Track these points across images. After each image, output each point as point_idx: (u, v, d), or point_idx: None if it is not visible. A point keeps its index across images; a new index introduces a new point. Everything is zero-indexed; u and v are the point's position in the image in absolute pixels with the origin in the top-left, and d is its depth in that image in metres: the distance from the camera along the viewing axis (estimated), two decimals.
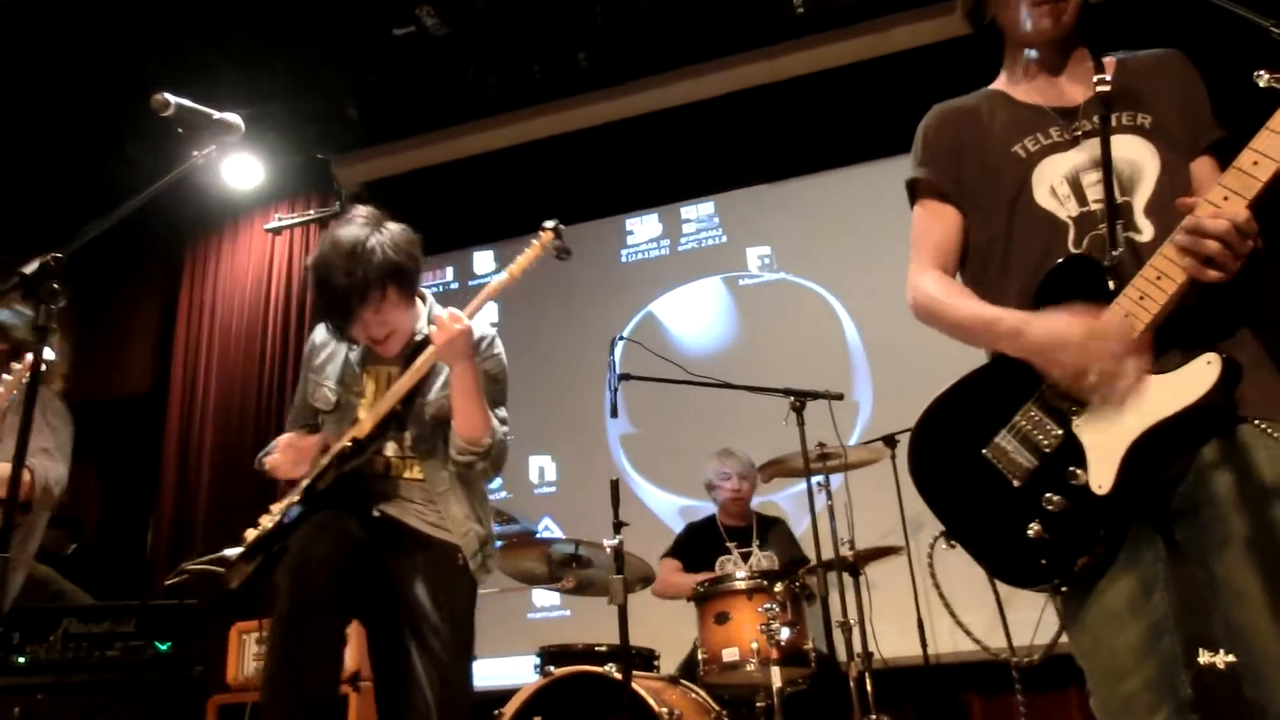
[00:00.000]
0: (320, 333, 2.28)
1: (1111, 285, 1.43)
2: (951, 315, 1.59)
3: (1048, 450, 1.43)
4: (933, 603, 3.87)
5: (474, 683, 2.18)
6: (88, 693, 2.99)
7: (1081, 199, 1.54)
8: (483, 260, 5.83)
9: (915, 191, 1.73)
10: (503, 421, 2.23)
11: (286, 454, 2.14)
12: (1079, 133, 1.57)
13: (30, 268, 1.60)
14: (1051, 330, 1.42)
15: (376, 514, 2.13)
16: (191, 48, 4.58)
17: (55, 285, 1.61)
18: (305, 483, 2.05)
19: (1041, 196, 1.57)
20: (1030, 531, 1.41)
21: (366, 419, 2.09)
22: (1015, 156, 1.60)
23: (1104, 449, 1.39)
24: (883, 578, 3.73)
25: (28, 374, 2.20)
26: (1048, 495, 1.41)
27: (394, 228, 2.11)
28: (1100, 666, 1.42)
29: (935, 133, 1.72)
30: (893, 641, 3.69)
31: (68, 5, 4.52)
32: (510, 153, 5.64)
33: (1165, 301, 1.36)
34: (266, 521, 2.06)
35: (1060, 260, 1.49)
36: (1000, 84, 1.73)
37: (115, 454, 5.72)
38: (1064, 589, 1.44)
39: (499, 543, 2.55)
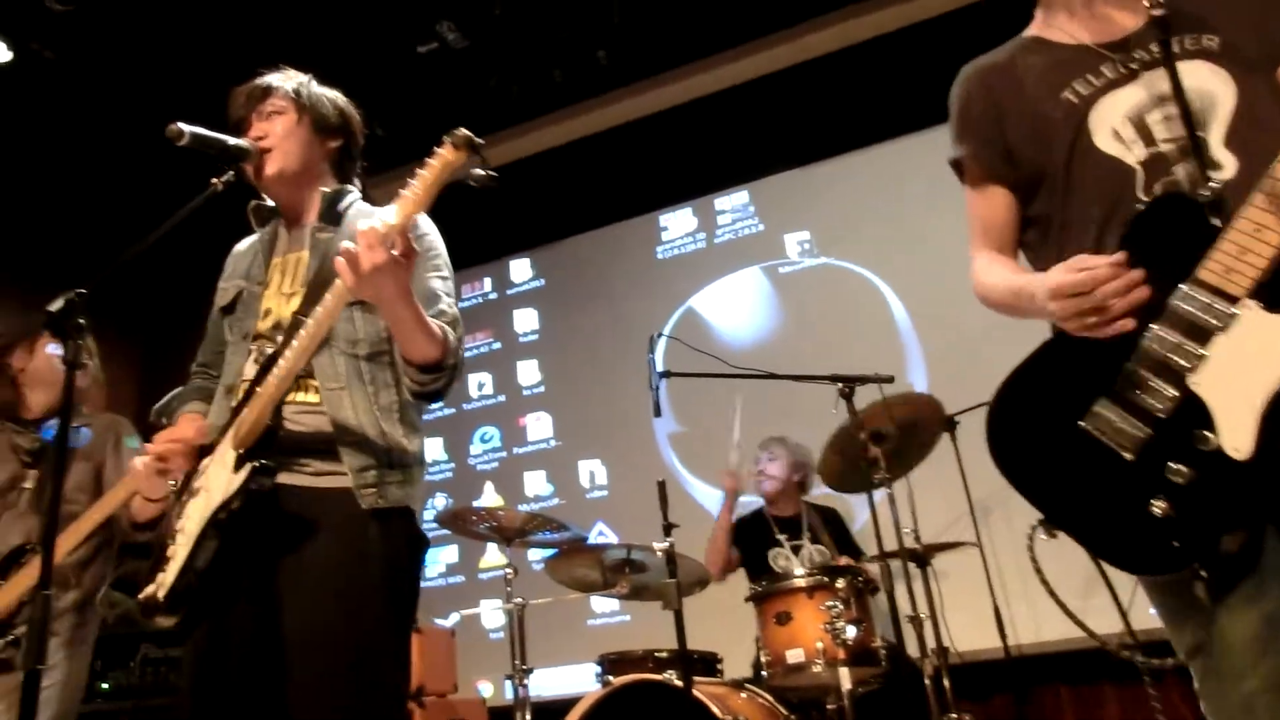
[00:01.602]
0: (241, 243, 1.95)
1: (1216, 222, 1.24)
2: (993, 296, 1.49)
3: (1162, 415, 1.24)
4: (1010, 592, 3.70)
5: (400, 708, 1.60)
6: (166, 716, 3.02)
7: (1149, 139, 1.38)
8: (519, 268, 5.79)
9: (959, 171, 1.61)
10: (454, 312, 1.72)
11: (169, 449, 1.66)
12: (1135, 65, 1.42)
13: (55, 305, 1.56)
14: (1040, 293, 1.32)
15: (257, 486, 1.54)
16: (215, 78, 4.63)
17: (81, 320, 1.58)
18: (211, 512, 1.57)
19: (1103, 141, 1.41)
20: (1156, 510, 1.22)
21: (247, 417, 1.58)
22: (1066, 103, 1.45)
23: (1234, 406, 1.19)
24: (951, 567, 3.55)
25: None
26: (1172, 466, 1.22)
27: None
28: (1211, 665, 1.25)
29: (968, 99, 1.58)
30: (968, 635, 3.50)
31: (94, 36, 4.60)
32: (538, 159, 5.62)
33: (1273, 255, 1.18)
34: (176, 556, 1.60)
35: (1149, 201, 1.32)
36: (1034, 28, 1.58)
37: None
38: (1204, 573, 1.22)
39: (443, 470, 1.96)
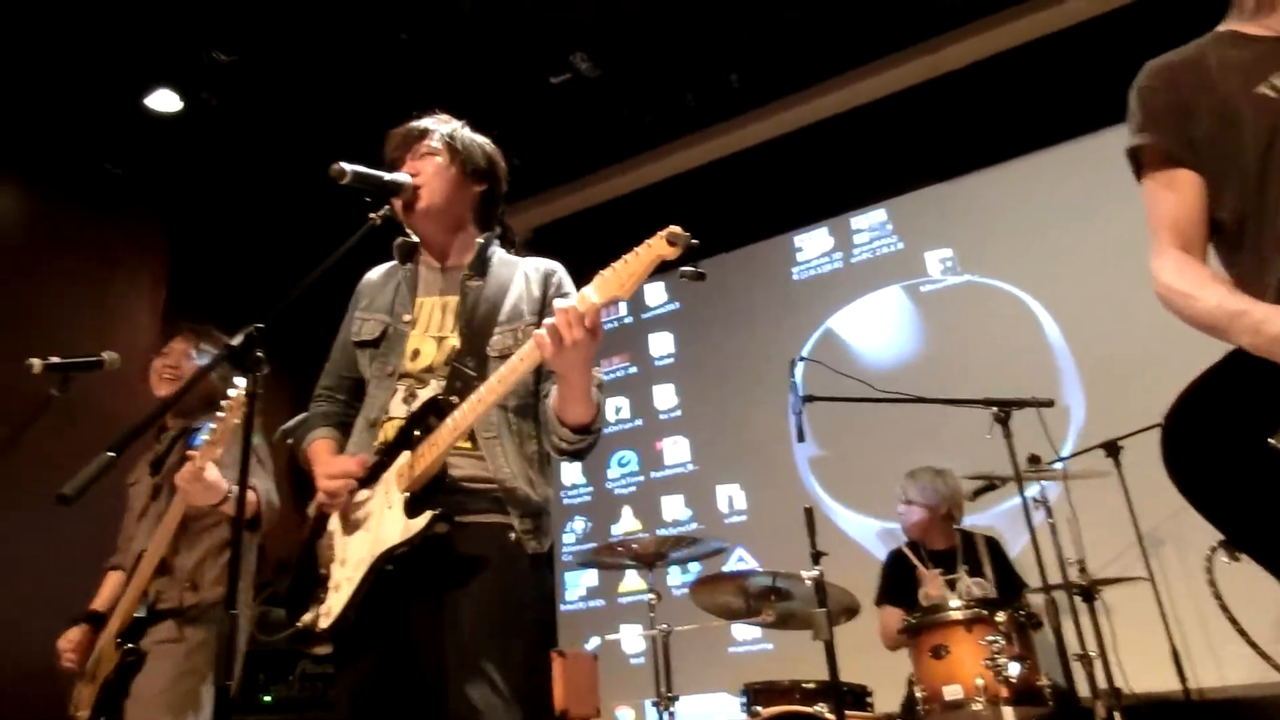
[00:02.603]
0: (373, 272, 2.01)
1: None
2: (1191, 309, 1.36)
3: None
4: (1187, 630, 3.43)
5: None
6: None
7: None
8: (654, 292, 5.85)
9: (1140, 161, 1.50)
10: (600, 377, 1.74)
11: (340, 496, 1.74)
12: None
13: (236, 339, 1.66)
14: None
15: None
16: (365, 119, 4.90)
17: (259, 354, 1.67)
18: (383, 552, 1.64)
19: None
20: None
21: (423, 456, 1.66)
22: (1262, 98, 1.36)
23: None
24: (1122, 602, 3.33)
25: (238, 412, 2.30)
26: None
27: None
28: None
29: (1152, 91, 1.49)
30: (1142, 676, 3.26)
31: (256, 84, 4.95)
32: (670, 183, 5.67)
33: None
34: (340, 589, 1.68)
35: None
36: (1228, 24, 1.49)
37: None
38: None
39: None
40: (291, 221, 5.55)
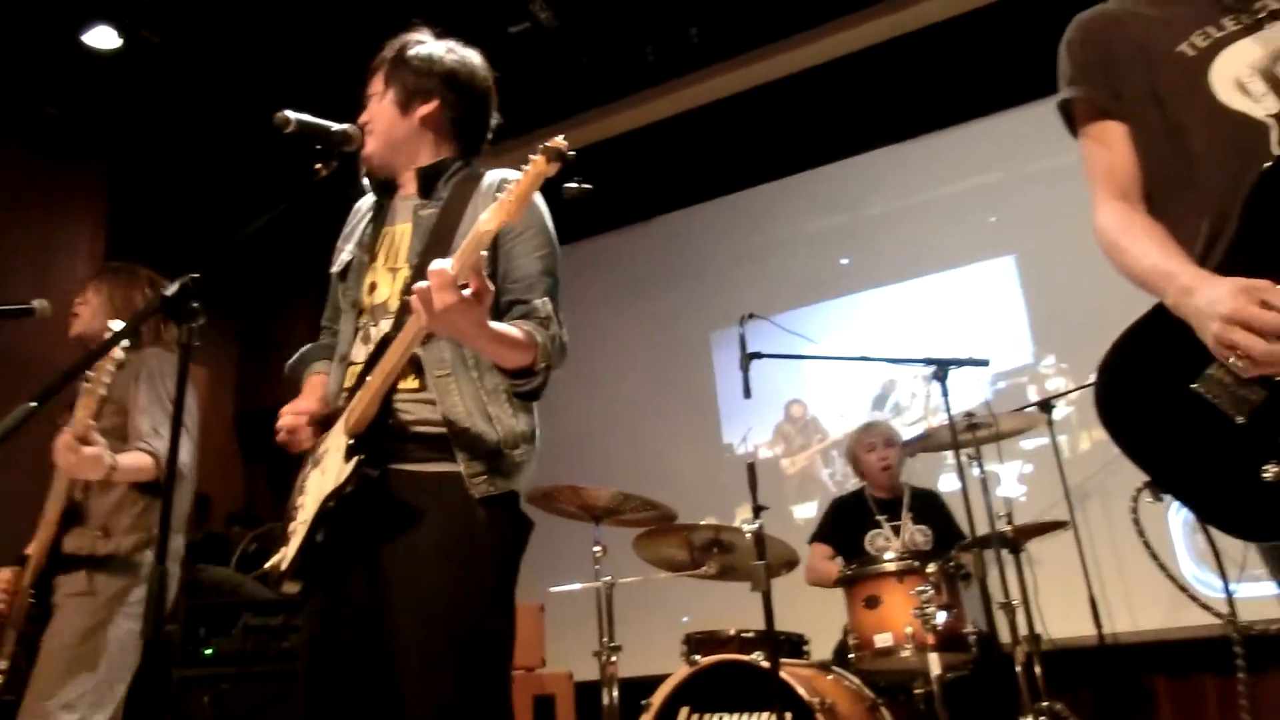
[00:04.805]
0: (363, 200, 1.93)
1: None
2: (1128, 264, 1.40)
3: (1277, 378, 1.22)
4: (1106, 578, 3.60)
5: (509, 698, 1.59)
6: (267, 681, 3.15)
7: None
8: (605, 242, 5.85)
9: (1071, 115, 1.53)
10: (548, 309, 1.66)
11: (298, 423, 1.73)
12: (1262, 14, 1.35)
13: (170, 289, 1.62)
14: (1200, 302, 1.23)
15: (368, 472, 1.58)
16: (314, 60, 4.79)
17: (194, 305, 1.63)
18: (323, 499, 1.62)
19: (1227, 95, 1.35)
20: (1267, 474, 1.20)
21: (354, 410, 1.61)
22: (1181, 56, 1.39)
23: None
24: (1045, 553, 3.48)
25: (104, 379, 2.26)
26: None
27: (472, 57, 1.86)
28: None
29: (1081, 45, 1.51)
30: (1061, 622, 3.43)
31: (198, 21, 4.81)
32: (633, 136, 5.62)
33: None
34: (296, 533, 1.66)
35: (1272, 163, 1.26)
36: None
37: (287, 458, 6.11)
38: None
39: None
40: (237, 164, 5.41)
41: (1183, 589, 1.40)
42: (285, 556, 1.68)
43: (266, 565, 1.72)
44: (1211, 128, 1.35)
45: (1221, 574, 1.35)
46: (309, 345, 1.97)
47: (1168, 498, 1.30)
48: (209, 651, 3.22)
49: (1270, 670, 3.17)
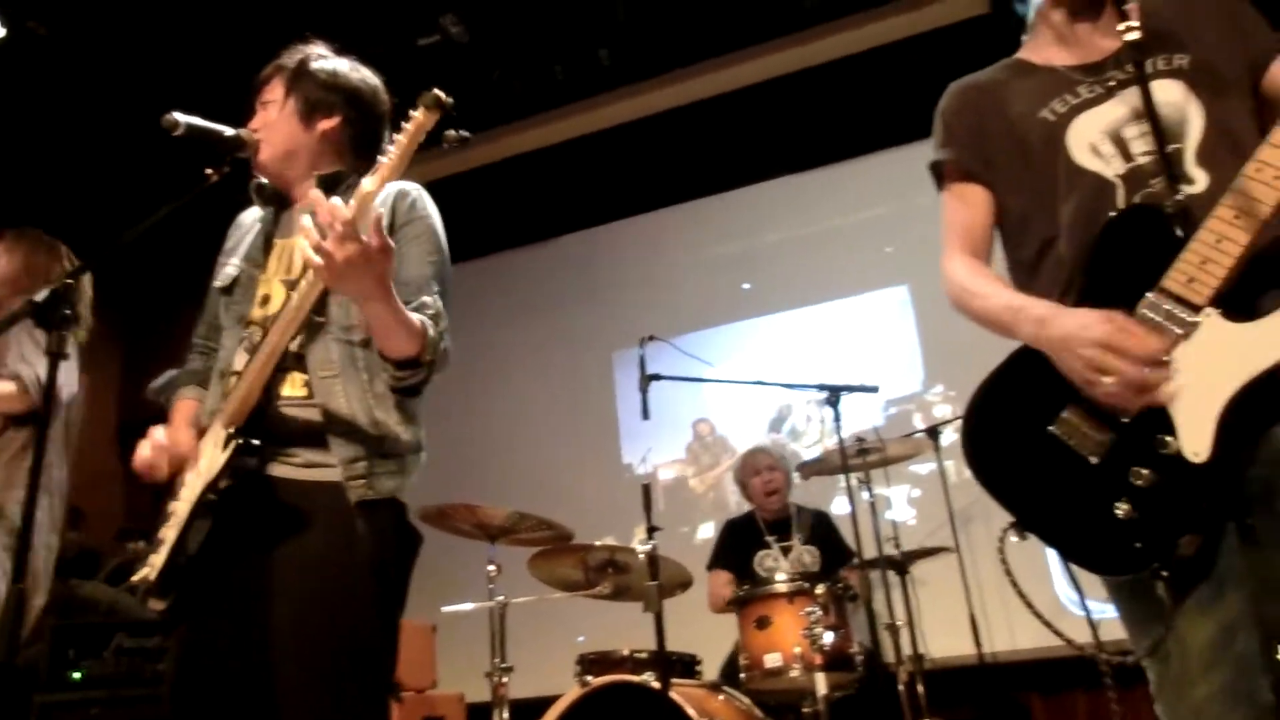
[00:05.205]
0: (245, 214, 1.89)
1: (1180, 232, 1.29)
2: (979, 305, 1.49)
3: (1125, 420, 1.29)
4: (986, 599, 3.74)
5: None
6: (141, 705, 3.02)
7: (1126, 154, 1.42)
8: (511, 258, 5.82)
9: (940, 175, 1.63)
10: (438, 306, 1.63)
11: (160, 456, 1.66)
12: (1112, 83, 1.46)
13: (41, 295, 1.56)
14: (1068, 328, 1.30)
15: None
16: (213, 58, 4.64)
17: (67, 311, 1.57)
18: (199, 492, 1.58)
19: (1082, 157, 1.45)
20: (1119, 512, 1.27)
21: (236, 393, 1.57)
22: (1043, 121, 1.49)
23: (1194, 411, 1.23)
24: (930, 575, 3.61)
25: None
26: (1135, 469, 1.27)
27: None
28: (1167, 670, 1.30)
29: (955, 113, 1.62)
30: (943, 641, 3.56)
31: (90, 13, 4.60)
32: (539, 155, 5.63)
33: (1231, 266, 1.23)
34: (167, 539, 1.60)
35: (1117, 212, 1.36)
36: (1022, 52, 1.63)
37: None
38: (1164, 573, 1.26)
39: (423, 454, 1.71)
40: (125, 164, 5.19)
41: (1047, 625, 1.46)
42: (154, 566, 1.60)
43: (134, 578, 1.63)
44: (1069, 186, 1.45)
45: (1082, 601, 1.42)
46: (176, 370, 1.90)
47: (1032, 536, 1.36)
48: (78, 675, 3.06)
49: (1138, 687, 3.33)
